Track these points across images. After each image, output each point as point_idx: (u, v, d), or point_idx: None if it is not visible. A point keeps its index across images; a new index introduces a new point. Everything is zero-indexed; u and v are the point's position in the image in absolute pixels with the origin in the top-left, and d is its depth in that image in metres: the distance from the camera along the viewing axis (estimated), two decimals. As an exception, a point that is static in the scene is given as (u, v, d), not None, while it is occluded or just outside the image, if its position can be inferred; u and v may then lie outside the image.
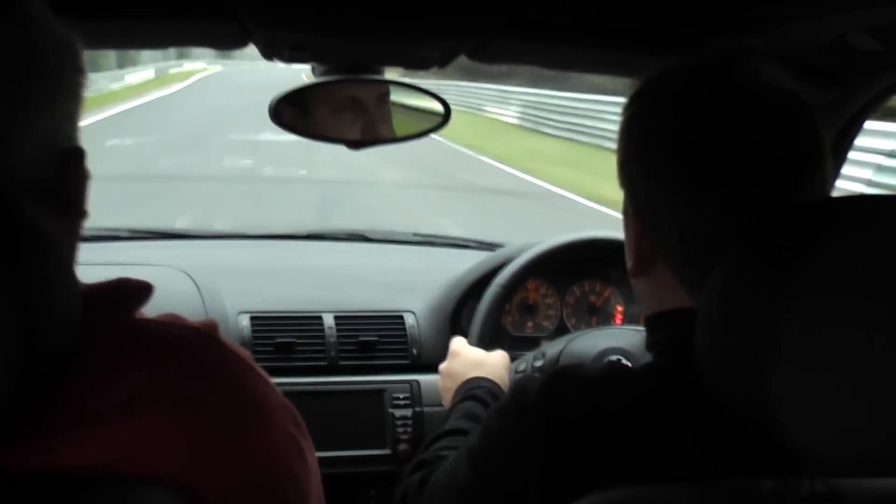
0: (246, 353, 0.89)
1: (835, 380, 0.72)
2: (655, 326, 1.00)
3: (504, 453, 0.94)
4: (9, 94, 0.74)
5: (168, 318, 0.86)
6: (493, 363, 1.60)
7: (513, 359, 1.75)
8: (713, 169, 0.89)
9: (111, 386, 0.78)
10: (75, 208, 0.84)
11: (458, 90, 27.57)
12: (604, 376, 0.93)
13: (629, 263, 1.01)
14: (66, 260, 0.74)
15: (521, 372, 1.76)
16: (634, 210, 0.98)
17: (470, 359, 1.62)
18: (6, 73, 0.74)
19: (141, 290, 0.84)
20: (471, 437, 1.04)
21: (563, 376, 0.93)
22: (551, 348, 1.77)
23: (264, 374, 0.90)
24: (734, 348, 0.77)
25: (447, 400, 1.57)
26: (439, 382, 1.64)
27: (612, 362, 0.93)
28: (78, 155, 0.83)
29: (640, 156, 0.96)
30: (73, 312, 0.74)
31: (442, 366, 1.65)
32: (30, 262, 0.69)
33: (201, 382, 0.83)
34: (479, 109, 25.97)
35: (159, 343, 0.82)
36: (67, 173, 0.82)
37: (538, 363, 1.75)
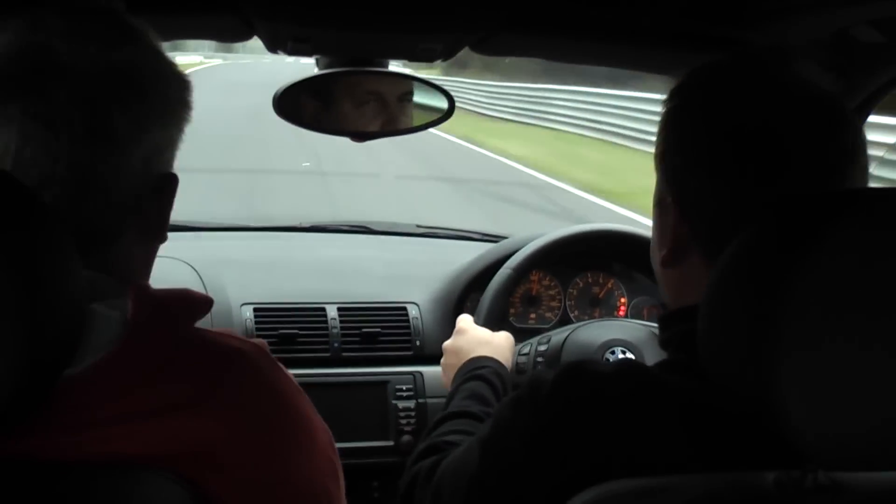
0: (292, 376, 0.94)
1: (839, 373, 0.72)
2: (669, 323, 1.00)
3: (516, 446, 0.95)
4: (133, 111, 0.86)
5: (225, 331, 0.90)
6: (498, 343, 1.60)
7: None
8: (755, 163, 0.90)
9: (162, 386, 0.81)
10: (159, 231, 0.94)
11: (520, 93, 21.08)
12: (618, 373, 0.93)
13: (661, 253, 1.02)
14: (71, 252, 0.76)
15: (525, 355, 1.76)
16: (674, 198, 0.98)
17: (476, 337, 1.62)
18: (135, 92, 0.86)
19: (202, 304, 0.89)
20: (483, 426, 1.04)
21: (578, 371, 0.94)
22: (556, 335, 1.77)
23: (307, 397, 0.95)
24: (736, 341, 0.77)
25: (449, 377, 1.56)
26: (442, 360, 1.63)
27: (625, 359, 0.94)
28: (173, 181, 0.93)
29: (683, 145, 0.97)
30: (75, 306, 0.76)
31: (447, 343, 1.65)
32: (37, 252, 0.70)
33: (253, 392, 0.86)
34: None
35: (215, 351, 0.87)
36: (161, 196, 0.92)
37: (542, 348, 1.76)
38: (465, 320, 1.69)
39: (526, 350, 1.79)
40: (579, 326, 1.79)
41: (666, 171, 1.00)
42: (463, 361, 1.54)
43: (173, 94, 0.91)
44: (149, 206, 0.90)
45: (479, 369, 1.50)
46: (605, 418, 0.89)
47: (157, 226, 0.93)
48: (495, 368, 1.51)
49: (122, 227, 0.88)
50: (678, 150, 0.97)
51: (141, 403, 0.79)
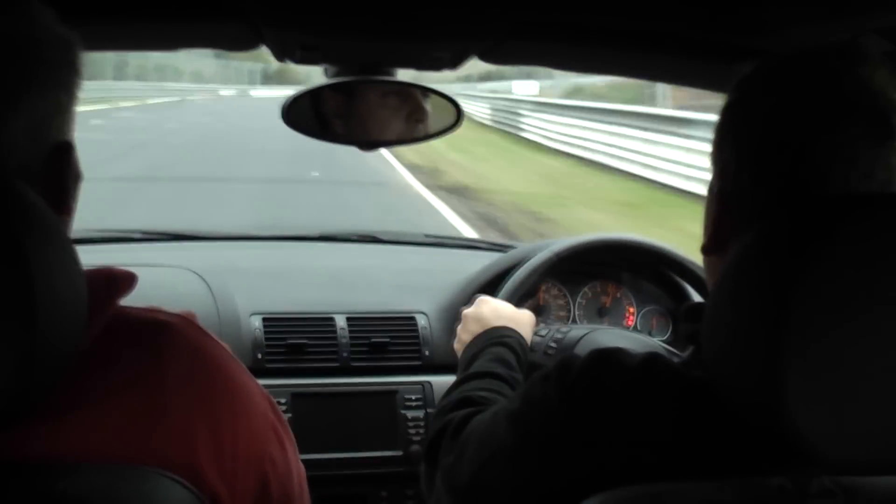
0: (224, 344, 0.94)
1: (845, 377, 0.72)
2: (698, 315, 0.99)
3: (541, 424, 0.95)
4: (4, 79, 0.79)
5: (149, 308, 0.90)
6: (521, 319, 1.60)
7: None
8: (805, 169, 0.89)
9: (103, 370, 0.81)
10: (62, 203, 0.86)
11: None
12: (645, 365, 0.93)
13: (704, 240, 1.02)
14: (68, 242, 0.76)
15: (541, 337, 1.76)
16: (720, 189, 0.98)
17: (501, 308, 1.62)
18: (4, 59, 0.79)
19: (127, 280, 0.87)
20: (511, 398, 1.04)
21: (606, 360, 0.94)
22: (576, 330, 1.78)
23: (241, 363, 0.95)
24: (742, 342, 0.77)
25: (464, 342, 1.55)
26: (460, 326, 1.62)
27: (651, 352, 0.93)
28: (66, 148, 0.86)
29: (736, 141, 0.96)
30: (78, 295, 0.76)
31: (467, 310, 1.64)
32: (32, 242, 0.70)
33: (189, 364, 0.87)
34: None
35: (147, 328, 0.86)
36: (57, 165, 0.85)
37: (559, 336, 1.76)
38: (485, 296, 1.70)
39: (543, 332, 1.79)
40: (598, 329, 1.80)
41: (717, 161, 1.00)
42: (485, 328, 1.54)
43: (53, 57, 0.84)
44: (45, 179, 0.84)
45: (504, 337, 1.50)
46: (629, 407, 0.90)
47: (58, 199, 0.86)
48: (519, 340, 1.51)
49: None
50: (732, 145, 0.97)
51: (87, 387, 0.80)
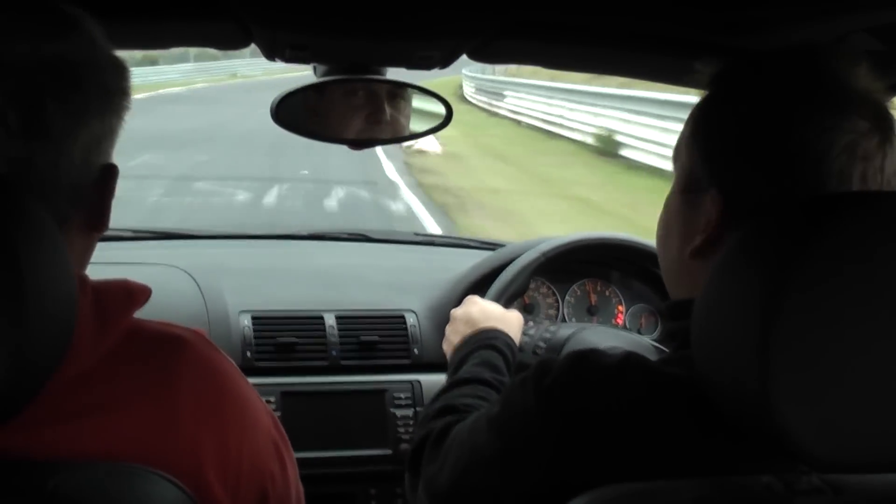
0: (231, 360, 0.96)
1: (834, 376, 0.72)
2: (679, 313, 0.99)
3: (521, 429, 0.95)
4: (68, 103, 0.83)
5: (163, 322, 0.92)
6: (510, 320, 1.60)
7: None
8: (807, 165, 0.90)
9: (114, 379, 0.83)
10: (102, 221, 0.92)
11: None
12: (622, 366, 0.93)
13: (691, 244, 0.99)
14: (62, 249, 0.77)
15: (529, 336, 1.77)
16: (718, 189, 0.97)
17: (489, 308, 1.62)
18: (69, 84, 0.84)
19: (142, 293, 0.90)
20: (493, 403, 1.04)
21: (583, 361, 0.94)
22: (564, 328, 1.78)
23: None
24: (730, 341, 0.77)
25: (453, 343, 1.55)
26: (448, 326, 1.62)
27: (630, 352, 0.94)
28: (113, 171, 0.91)
29: (728, 139, 0.96)
30: (68, 295, 0.76)
31: (456, 310, 1.64)
32: (26, 246, 0.70)
33: (200, 378, 0.88)
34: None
35: (161, 341, 0.88)
36: (103, 186, 0.90)
37: (547, 335, 1.77)
38: (475, 297, 1.69)
39: (531, 332, 1.79)
40: (587, 328, 1.80)
41: (706, 160, 0.98)
42: (474, 330, 1.54)
43: (110, 82, 0.89)
44: (90, 198, 0.89)
45: (492, 339, 1.50)
46: (609, 407, 0.89)
47: (98, 217, 0.91)
48: (507, 341, 1.51)
49: (63, 220, 0.86)
50: (725, 145, 0.97)
51: (98, 397, 0.81)
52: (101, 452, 0.80)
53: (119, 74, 0.90)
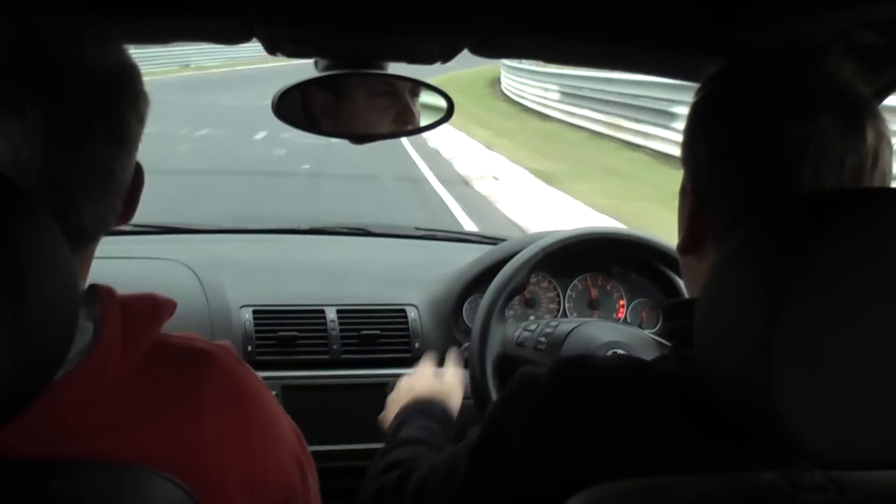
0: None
1: (837, 372, 0.72)
2: (674, 312, 1.00)
3: (514, 446, 0.94)
4: (137, 109, 0.88)
5: (188, 336, 0.92)
6: (450, 388, 1.64)
7: (509, 362, 1.81)
8: (777, 162, 0.90)
9: (141, 394, 0.83)
10: (131, 212, 0.94)
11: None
12: (617, 368, 0.93)
13: (679, 239, 1.02)
14: (63, 244, 0.77)
15: (530, 332, 1.83)
16: (693, 187, 0.99)
17: (431, 380, 1.66)
18: (133, 89, 0.88)
19: (168, 306, 0.90)
20: (471, 435, 1.03)
21: (576, 368, 0.94)
22: (564, 324, 1.81)
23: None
24: (733, 337, 0.77)
25: (392, 411, 1.59)
26: (392, 394, 1.66)
27: (624, 354, 0.94)
28: (142, 170, 0.94)
29: (707, 137, 0.97)
30: (70, 291, 0.76)
31: (402, 379, 1.68)
32: (23, 236, 0.71)
33: (226, 395, 0.88)
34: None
35: (187, 356, 0.88)
36: (137, 181, 0.93)
37: (548, 330, 1.81)
38: (425, 365, 1.73)
39: (532, 327, 1.82)
40: (587, 322, 1.82)
41: (689, 159, 1.00)
42: (413, 399, 1.58)
43: (142, 87, 0.91)
44: (127, 195, 0.91)
45: (429, 408, 1.54)
46: (605, 414, 0.89)
47: (128, 212, 0.93)
48: (443, 409, 1.55)
49: (106, 226, 0.89)
50: (703, 142, 0.98)
51: (124, 412, 0.81)
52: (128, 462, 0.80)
53: (140, 77, 0.92)
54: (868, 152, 0.90)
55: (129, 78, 0.87)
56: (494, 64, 24.41)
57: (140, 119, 0.88)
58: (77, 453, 0.78)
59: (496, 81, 25.08)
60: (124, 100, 0.86)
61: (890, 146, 0.94)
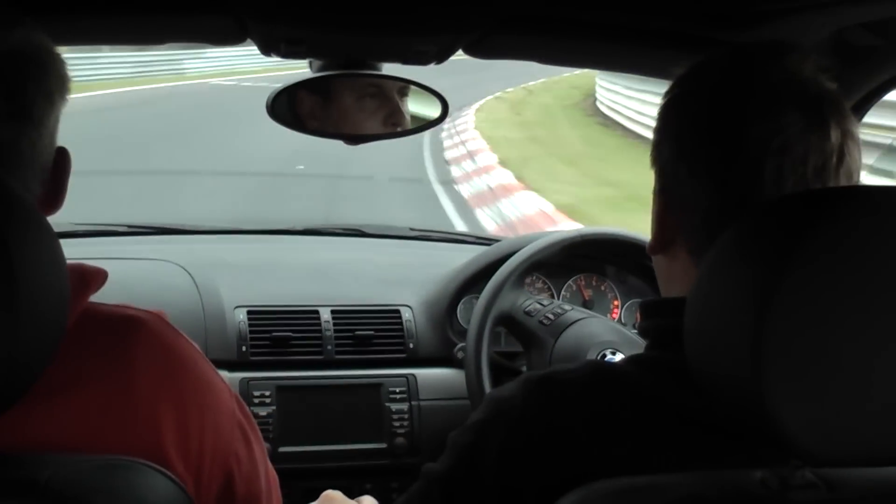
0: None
1: (828, 370, 0.72)
2: (653, 312, 0.99)
3: (488, 469, 0.92)
4: (43, 86, 0.88)
5: (120, 305, 0.92)
6: None
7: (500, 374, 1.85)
8: (740, 161, 0.90)
9: (71, 362, 0.83)
10: (57, 200, 0.94)
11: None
12: (590, 378, 0.92)
13: (650, 240, 1.02)
14: (53, 235, 0.77)
15: (542, 305, 1.90)
16: (661, 188, 0.99)
17: None
18: (41, 68, 0.88)
19: (97, 276, 0.90)
20: (439, 466, 0.98)
21: (546, 384, 0.93)
22: (574, 312, 1.88)
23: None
24: (723, 336, 0.77)
25: None
26: None
27: (595, 362, 0.96)
28: (66, 154, 0.94)
29: (673, 138, 0.97)
30: (61, 284, 0.77)
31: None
32: (16, 232, 0.71)
33: (158, 358, 0.89)
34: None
35: (117, 322, 0.89)
36: (61, 166, 0.93)
37: (559, 311, 1.88)
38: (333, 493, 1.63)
39: (545, 303, 1.90)
40: (594, 317, 1.89)
41: (657, 160, 1.00)
42: None
43: (62, 69, 0.92)
44: (51, 180, 0.92)
45: None
46: (581, 426, 0.89)
47: (55, 197, 0.94)
48: None
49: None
50: (666, 142, 0.98)
51: (57, 379, 0.81)
52: (61, 433, 0.81)
53: (64, 63, 0.93)
54: (832, 150, 0.90)
55: (36, 58, 0.88)
56: (589, 75, 19.37)
57: (48, 98, 0.89)
58: (9, 424, 0.78)
59: (589, 96, 19.40)
60: (29, 78, 0.86)
61: (857, 144, 0.93)
